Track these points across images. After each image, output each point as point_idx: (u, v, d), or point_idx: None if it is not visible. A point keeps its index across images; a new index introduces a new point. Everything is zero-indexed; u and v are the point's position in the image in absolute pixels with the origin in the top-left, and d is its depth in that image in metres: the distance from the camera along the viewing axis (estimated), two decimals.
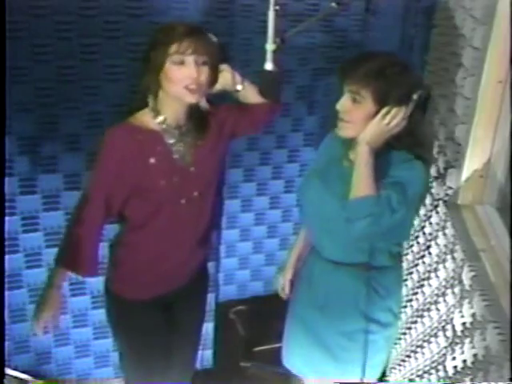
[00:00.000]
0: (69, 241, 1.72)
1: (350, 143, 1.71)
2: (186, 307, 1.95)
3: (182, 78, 1.58)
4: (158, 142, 1.67)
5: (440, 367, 1.76)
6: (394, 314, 1.86)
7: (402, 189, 1.59)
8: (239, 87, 1.76)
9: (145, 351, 1.88)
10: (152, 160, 1.66)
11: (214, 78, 1.67)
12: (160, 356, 1.92)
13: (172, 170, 1.70)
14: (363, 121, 1.61)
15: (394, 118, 1.58)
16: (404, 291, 2.18)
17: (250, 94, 1.78)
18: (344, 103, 1.62)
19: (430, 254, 1.94)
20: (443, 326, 1.76)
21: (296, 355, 1.98)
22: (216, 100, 1.75)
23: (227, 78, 1.71)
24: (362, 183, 1.60)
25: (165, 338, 1.93)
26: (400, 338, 2.20)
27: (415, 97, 1.59)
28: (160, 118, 1.67)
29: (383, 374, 2.33)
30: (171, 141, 1.69)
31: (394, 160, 1.65)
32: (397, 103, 1.57)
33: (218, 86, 1.71)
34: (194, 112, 1.71)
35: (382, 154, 1.65)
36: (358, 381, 1.93)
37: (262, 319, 2.52)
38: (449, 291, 1.72)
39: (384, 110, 1.57)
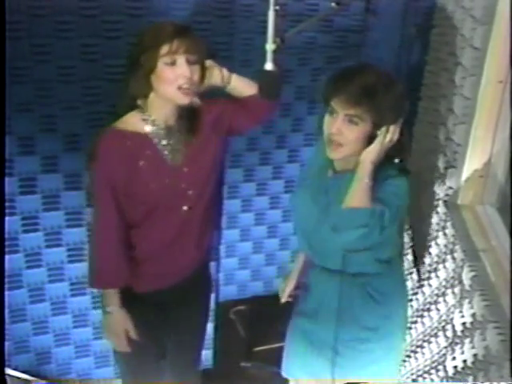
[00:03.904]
0: (94, 258, 1.76)
1: None
2: (185, 308, 1.95)
3: (175, 78, 1.58)
4: (147, 145, 1.67)
5: (440, 367, 1.76)
6: (392, 321, 1.83)
7: (390, 205, 1.58)
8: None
9: (138, 345, 1.88)
10: (142, 164, 1.66)
11: (203, 76, 1.67)
12: (153, 352, 1.92)
13: (163, 172, 1.69)
14: (358, 141, 1.60)
15: (393, 134, 1.60)
16: None
17: (240, 86, 1.77)
18: (340, 126, 1.59)
19: (430, 254, 1.94)
20: (443, 326, 1.76)
21: (295, 364, 1.97)
22: (209, 96, 1.75)
23: (214, 73, 1.71)
24: (358, 195, 1.58)
25: (159, 335, 1.93)
26: None
27: (405, 109, 1.61)
28: (148, 117, 1.66)
29: None
30: (161, 142, 1.68)
31: (381, 175, 1.64)
32: (394, 120, 1.59)
33: (206, 83, 1.70)
34: (184, 111, 1.70)
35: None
36: (359, 381, 1.92)
37: (262, 319, 2.52)
38: (449, 291, 1.72)
39: (384, 129, 1.58)
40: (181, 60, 1.58)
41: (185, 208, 1.75)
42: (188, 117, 1.72)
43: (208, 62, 1.69)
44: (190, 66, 1.60)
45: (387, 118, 1.58)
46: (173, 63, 1.58)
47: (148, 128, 1.67)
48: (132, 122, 1.67)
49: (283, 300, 2.05)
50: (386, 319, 1.82)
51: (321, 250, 1.78)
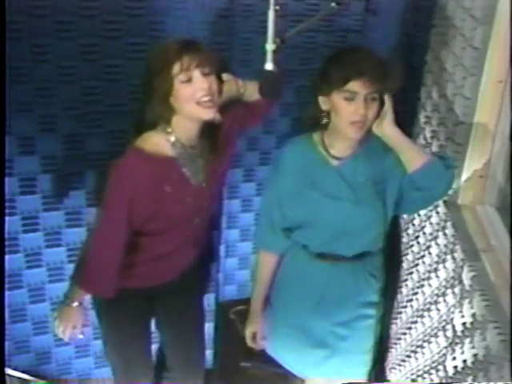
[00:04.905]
0: (88, 262, 1.73)
1: (325, 142, 1.77)
2: (179, 302, 1.96)
3: (194, 93, 1.56)
4: (173, 169, 1.65)
5: (440, 367, 1.76)
6: (381, 294, 1.98)
7: None
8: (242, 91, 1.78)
9: (126, 339, 1.91)
10: (168, 188, 1.64)
11: (220, 87, 1.65)
12: (140, 347, 1.95)
13: (186, 193, 1.69)
14: (376, 115, 1.68)
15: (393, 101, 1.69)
16: (404, 291, 2.18)
17: (252, 93, 1.78)
18: (364, 107, 1.64)
19: (430, 253, 1.94)
20: (443, 326, 1.76)
21: (292, 358, 2.01)
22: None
23: (232, 86, 1.72)
24: (417, 153, 1.70)
25: (146, 331, 1.95)
26: (400, 338, 2.20)
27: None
28: (172, 139, 1.64)
29: (383, 374, 2.33)
30: (185, 164, 1.67)
31: (379, 149, 1.76)
32: (395, 88, 1.70)
33: (225, 96, 1.70)
34: (205, 129, 1.68)
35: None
36: (361, 381, 1.96)
37: None
38: (449, 291, 1.72)
39: (388, 96, 1.67)
40: (196, 74, 1.56)
41: (197, 220, 1.77)
42: (209, 135, 1.70)
43: (225, 76, 1.68)
44: (207, 78, 1.58)
45: (392, 88, 1.68)
46: (189, 80, 1.56)
47: (173, 150, 1.65)
48: (156, 142, 1.63)
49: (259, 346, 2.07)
50: (379, 293, 1.96)
51: (353, 235, 1.81)
